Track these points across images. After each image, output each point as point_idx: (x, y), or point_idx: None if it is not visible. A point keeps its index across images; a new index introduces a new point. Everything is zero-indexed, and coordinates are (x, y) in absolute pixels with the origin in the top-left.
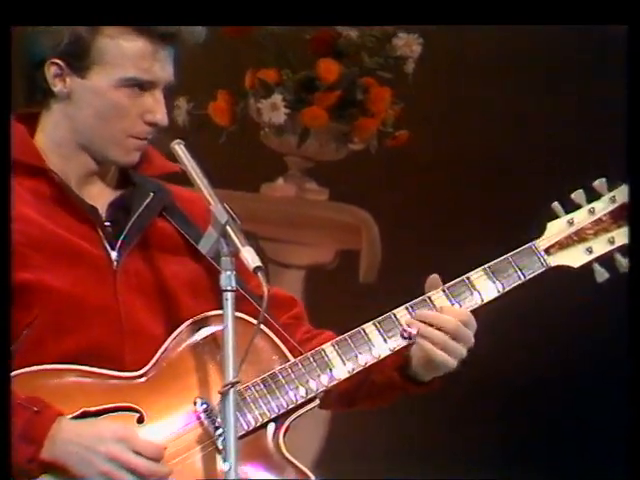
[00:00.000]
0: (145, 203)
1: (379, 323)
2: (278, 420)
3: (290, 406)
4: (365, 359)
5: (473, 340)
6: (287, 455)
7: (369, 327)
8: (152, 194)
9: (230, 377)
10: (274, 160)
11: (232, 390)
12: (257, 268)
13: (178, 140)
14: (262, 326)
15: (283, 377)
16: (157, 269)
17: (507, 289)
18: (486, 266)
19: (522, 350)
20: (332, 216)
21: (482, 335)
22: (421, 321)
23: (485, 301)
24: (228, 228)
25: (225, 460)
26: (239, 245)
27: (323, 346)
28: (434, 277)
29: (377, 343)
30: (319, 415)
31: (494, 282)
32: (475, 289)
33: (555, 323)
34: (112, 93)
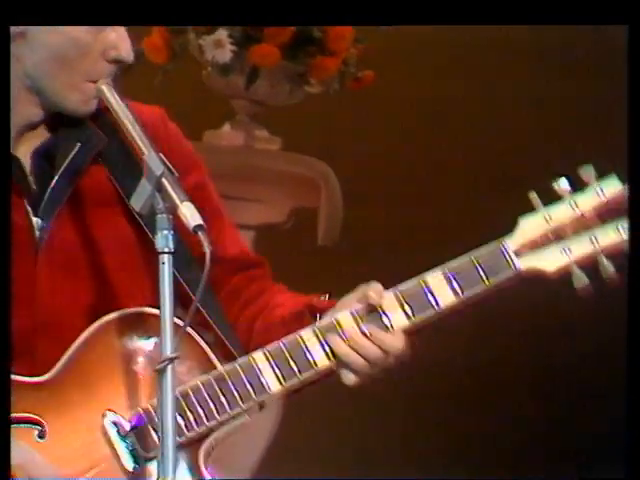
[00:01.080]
0: (70, 156)
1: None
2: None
3: (224, 417)
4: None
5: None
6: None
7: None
8: (79, 145)
9: (168, 351)
10: (219, 104)
11: (170, 368)
12: (198, 227)
13: (105, 80)
14: (191, 330)
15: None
16: (88, 238)
17: (467, 296)
18: (446, 267)
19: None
20: (286, 169)
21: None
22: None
23: (442, 309)
24: (164, 181)
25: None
26: (177, 200)
27: (253, 354)
28: (374, 289)
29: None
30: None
31: (452, 287)
32: (432, 294)
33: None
34: (71, 29)
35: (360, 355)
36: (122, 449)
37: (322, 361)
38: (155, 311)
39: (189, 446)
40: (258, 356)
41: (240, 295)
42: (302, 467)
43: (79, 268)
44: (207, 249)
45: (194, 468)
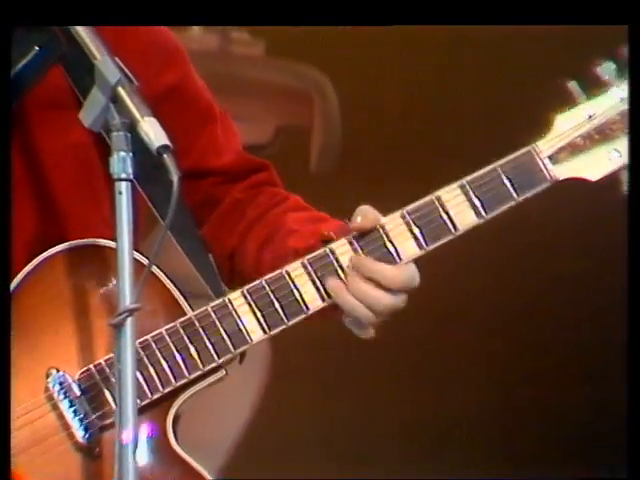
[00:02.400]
0: (25, 61)
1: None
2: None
3: (194, 373)
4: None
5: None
6: (177, 449)
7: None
8: (37, 49)
9: (127, 301)
10: None
11: (130, 321)
12: (162, 148)
13: None
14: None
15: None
16: (36, 149)
17: (492, 214)
18: (464, 181)
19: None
20: (271, 78)
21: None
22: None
23: (460, 232)
24: (121, 91)
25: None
26: (137, 115)
27: (230, 295)
28: (368, 211)
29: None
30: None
31: (474, 205)
32: (447, 214)
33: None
34: None
35: (365, 304)
36: (71, 416)
37: (314, 302)
38: (113, 244)
39: (153, 411)
40: (235, 297)
41: (245, 212)
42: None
43: (26, 194)
44: (175, 176)
45: (160, 439)
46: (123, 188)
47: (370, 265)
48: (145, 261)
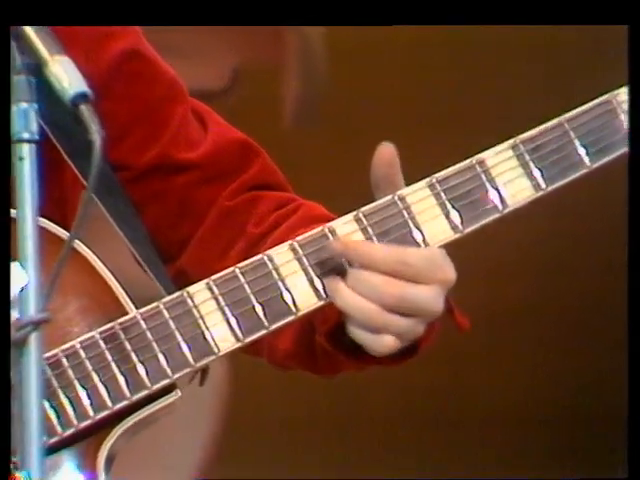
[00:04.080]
0: None
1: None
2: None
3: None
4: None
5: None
6: None
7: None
8: None
9: (31, 307)
10: None
11: (35, 337)
12: (79, 97)
13: None
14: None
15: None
16: None
17: (553, 186)
18: (518, 140)
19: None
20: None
21: None
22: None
23: (510, 208)
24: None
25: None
26: (45, 54)
27: (190, 288)
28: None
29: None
30: None
31: (529, 173)
32: (493, 184)
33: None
34: None
35: (379, 304)
36: None
37: (306, 300)
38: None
39: (78, 448)
40: (198, 291)
41: (243, 227)
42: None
43: None
44: (96, 134)
45: None
46: (25, 152)
47: (360, 248)
48: (64, 235)
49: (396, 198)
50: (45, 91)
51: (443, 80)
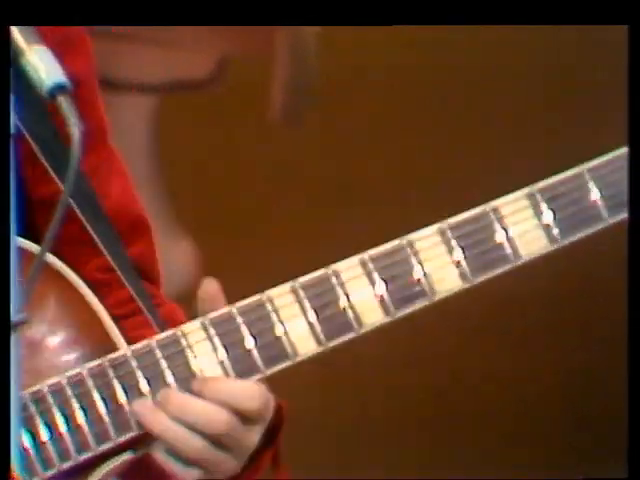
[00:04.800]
0: None
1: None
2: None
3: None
4: None
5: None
6: None
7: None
8: None
9: (11, 308)
10: None
11: (14, 340)
12: (58, 89)
13: None
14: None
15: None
16: None
17: (569, 239)
18: (534, 190)
19: None
20: None
21: None
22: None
23: (520, 262)
24: None
25: None
26: (22, 43)
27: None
28: None
29: None
30: None
31: (540, 220)
32: (504, 227)
33: None
34: None
35: (186, 423)
36: None
37: (306, 346)
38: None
39: None
40: (192, 331)
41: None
42: None
43: None
44: (74, 127)
45: None
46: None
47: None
48: (34, 248)
49: (266, 299)
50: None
51: (442, 80)
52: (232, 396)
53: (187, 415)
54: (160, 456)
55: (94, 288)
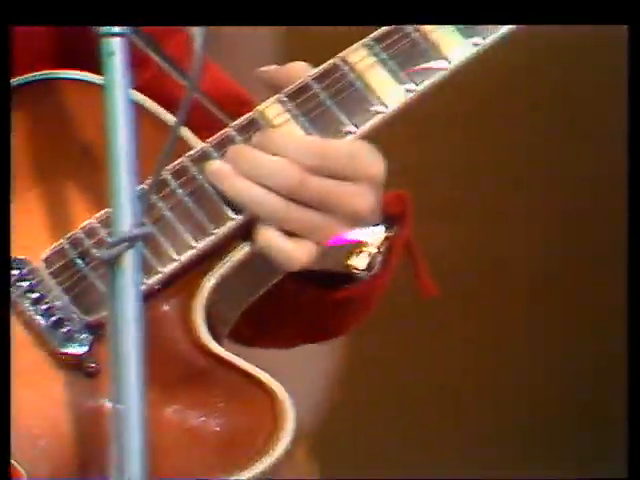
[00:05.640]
0: None
1: None
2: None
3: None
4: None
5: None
6: (217, 350)
7: None
8: None
9: (124, 220)
10: None
11: (131, 256)
12: None
13: None
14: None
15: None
16: None
17: (489, 41)
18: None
19: None
20: None
21: None
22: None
23: (451, 66)
24: None
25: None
26: None
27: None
28: None
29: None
30: None
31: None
32: (435, 48)
33: None
34: None
35: (263, 182)
36: (42, 323)
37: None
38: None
39: (177, 290)
40: (268, 107)
41: None
42: None
43: None
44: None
45: (185, 333)
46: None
47: (272, 137)
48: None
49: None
50: None
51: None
52: (298, 149)
53: (259, 169)
54: (261, 239)
55: None
